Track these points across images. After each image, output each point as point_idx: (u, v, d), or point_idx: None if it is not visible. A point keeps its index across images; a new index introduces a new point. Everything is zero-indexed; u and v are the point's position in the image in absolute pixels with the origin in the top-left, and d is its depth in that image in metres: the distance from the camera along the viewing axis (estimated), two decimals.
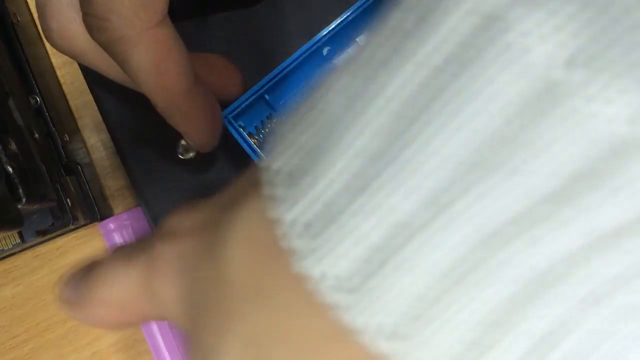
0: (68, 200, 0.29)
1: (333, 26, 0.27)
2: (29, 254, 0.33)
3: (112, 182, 0.34)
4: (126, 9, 0.18)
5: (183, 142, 0.29)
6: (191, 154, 0.29)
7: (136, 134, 0.30)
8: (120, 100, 0.30)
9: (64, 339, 0.33)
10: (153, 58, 0.20)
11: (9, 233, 0.29)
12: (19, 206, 0.23)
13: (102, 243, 0.33)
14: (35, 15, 0.33)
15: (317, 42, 0.27)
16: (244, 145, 0.26)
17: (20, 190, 0.23)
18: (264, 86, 0.27)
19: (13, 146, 0.24)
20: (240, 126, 0.27)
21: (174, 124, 0.23)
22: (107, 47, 0.20)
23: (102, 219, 0.32)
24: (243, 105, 0.27)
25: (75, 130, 0.33)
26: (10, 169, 0.23)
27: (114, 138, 0.30)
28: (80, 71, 0.30)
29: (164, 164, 0.30)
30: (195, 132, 0.24)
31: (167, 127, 0.23)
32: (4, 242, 0.30)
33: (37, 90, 0.30)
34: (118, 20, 0.19)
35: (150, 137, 0.30)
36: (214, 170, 0.30)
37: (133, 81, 0.21)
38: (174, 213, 0.15)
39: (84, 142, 0.33)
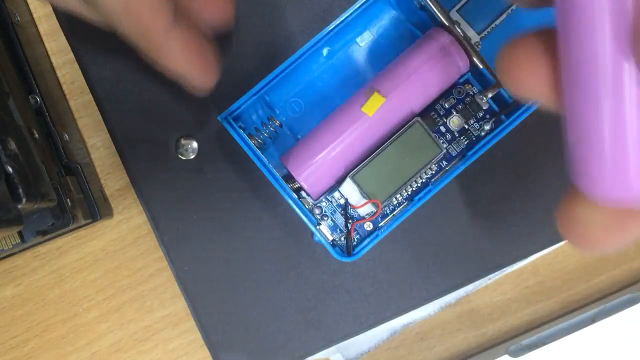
0: (68, 200, 0.29)
1: (333, 26, 0.26)
2: (29, 254, 0.33)
3: (112, 182, 0.34)
4: None
5: (183, 141, 0.29)
6: (191, 155, 0.29)
7: (136, 134, 0.30)
8: (120, 101, 0.30)
9: (64, 339, 0.33)
10: None
11: (9, 233, 0.29)
12: (19, 206, 0.23)
13: (101, 243, 0.33)
14: (35, 15, 0.33)
15: (317, 42, 0.27)
16: (244, 147, 0.26)
17: (20, 190, 0.23)
18: (264, 86, 0.27)
19: (13, 146, 0.24)
20: (240, 127, 0.27)
21: (162, 66, 0.21)
22: None
23: (102, 219, 0.32)
24: (243, 106, 0.27)
25: (75, 130, 0.33)
26: (10, 169, 0.23)
27: (114, 138, 0.30)
28: (80, 71, 0.30)
29: (164, 164, 0.30)
30: (186, 72, 0.22)
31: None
32: (4, 242, 0.30)
33: (37, 90, 0.30)
34: None
35: (150, 137, 0.30)
36: (214, 170, 0.30)
37: (108, 23, 0.20)
38: None
39: (84, 142, 0.33)
